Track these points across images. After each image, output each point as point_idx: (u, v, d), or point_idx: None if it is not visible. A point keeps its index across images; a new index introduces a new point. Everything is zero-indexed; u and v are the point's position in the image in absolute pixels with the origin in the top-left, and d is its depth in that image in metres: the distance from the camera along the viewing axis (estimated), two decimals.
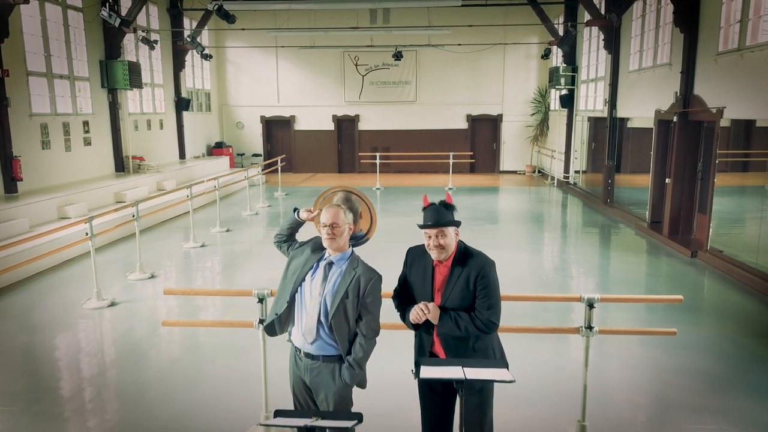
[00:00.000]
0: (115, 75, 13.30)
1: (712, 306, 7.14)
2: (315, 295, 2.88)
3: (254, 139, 20.98)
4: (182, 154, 17.50)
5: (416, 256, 3.04)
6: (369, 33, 17.99)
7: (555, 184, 17.29)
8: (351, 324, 2.87)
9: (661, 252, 9.46)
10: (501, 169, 20.64)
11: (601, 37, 13.39)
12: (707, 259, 8.57)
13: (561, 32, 16.54)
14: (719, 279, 7.93)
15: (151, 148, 15.62)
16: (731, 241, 9.01)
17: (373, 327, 2.89)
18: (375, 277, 2.90)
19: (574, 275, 8.30)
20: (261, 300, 3.67)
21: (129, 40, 14.29)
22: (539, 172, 20.01)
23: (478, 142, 20.67)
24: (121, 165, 13.93)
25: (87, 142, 12.76)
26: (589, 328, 3.61)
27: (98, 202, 11.41)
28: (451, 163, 16.97)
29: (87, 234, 6.46)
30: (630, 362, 5.12)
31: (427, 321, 2.84)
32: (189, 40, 14.83)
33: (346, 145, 20.91)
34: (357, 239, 3.16)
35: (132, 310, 6.56)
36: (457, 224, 2.90)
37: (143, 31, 13.96)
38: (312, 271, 2.97)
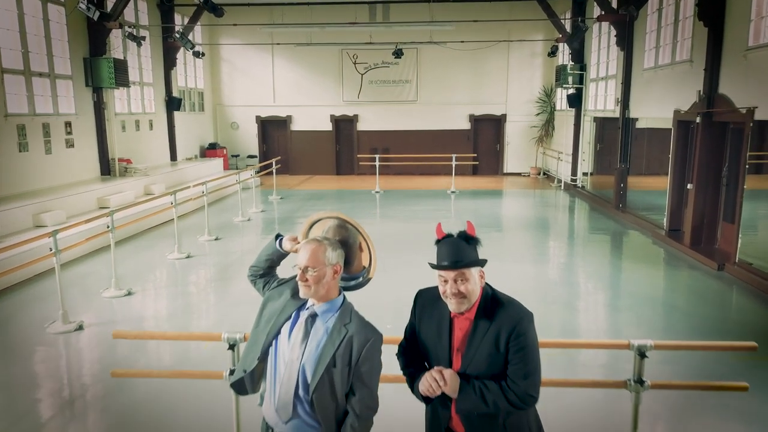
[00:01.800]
0: (99, 73, 12.59)
1: (754, 329, 6.42)
2: (292, 359, 2.18)
3: (249, 140, 20.27)
4: (173, 156, 16.78)
5: (428, 302, 2.33)
6: (368, 29, 17.27)
7: (562, 187, 16.59)
8: (339, 400, 2.15)
9: (683, 263, 8.76)
10: (505, 171, 19.93)
11: (613, 33, 12.69)
12: (735, 272, 7.87)
13: (569, 28, 15.83)
14: (751, 295, 7.23)
15: (139, 149, 14.91)
16: (760, 252, 8.31)
17: (369, 404, 2.17)
18: (373, 338, 2.19)
19: (590, 291, 7.60)
20: (232, 346, 2.97)
21: (116, 36, 13.59)
22: (544, 174, 19.31)
23: (481, 143, 19.96)
24: (107, 168, 13.22)
25: (69, 144, 12.05)
26: (640, 382, 2.91)
27: (79, 209, 10.70)
28: (453, 165, 16.26)
29: (51, 249, 5.75)
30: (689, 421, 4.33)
31: (444, 393, 2.14)
32: (178, 36, 14.11)
33: (345, 146, 20.21)
34: (353, 281, 2.44)
35: (100, 336, 5.84)
36: (482, 263, 2.19)
37: (130, 27, 13.25)
38: (290, 322, 2.27)
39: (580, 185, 16.00)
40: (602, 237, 11.08)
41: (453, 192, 15.88)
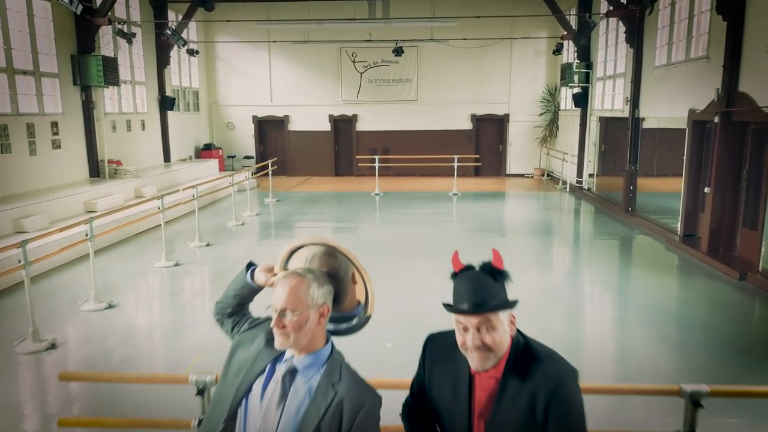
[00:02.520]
0: (88, 71, 12.10)
1: None
2: (265, 427, 1.68)
3: (246, 140, 19.77)
4: (167, 157, 16.29)
5: (441, 352, 1.83)
6: (367, 25, 16.77)
7: (567, 189, 16.10)
8: None
9: (700, 272, 8.27)
10: (507, 173, 19.44)
11: (622, 29, 12.20)
12: (759, 282, 7.38)
13: (574, 25, 15.34)
14: None
15: (131, 150, 14.42)
16: None
17: None
18: (369, 404, 1.68)
19: (600, 303, 7.10)
20: (201, 392, 2.48)
21: (106, 33, 13.08)
22: (548, 175, 18.81)
23: (483, 144, 19.47)
24: (95, 170, 12.72)
25: (56, 145, 11.56)
26: None
27: (64, 213, 10.20)
28: (455, 167, 15.77)
29: (20, 261, 5.25)
30: None
31: None
32: (169, 33, 13.61)
33: (343, 147, 19.71)
34: (346, 323, 1.95)
35: (74, 356, 5.36)
36: (513, 305, 1.69)
37: (120, 23, 12.75)
38: (263, 377, 1.77)
39: (585, 187, 15.51)
40: (611, 242, 10.59)
41: (455, 194, 15.39)
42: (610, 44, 13.71)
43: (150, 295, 7.32)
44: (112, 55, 13.16)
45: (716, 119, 8.32)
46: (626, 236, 10.86)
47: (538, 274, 8.08)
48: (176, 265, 8.41)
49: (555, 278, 8.07)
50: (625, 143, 16.95)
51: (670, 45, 10.41)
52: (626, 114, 12.42)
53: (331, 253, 1.85)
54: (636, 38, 11.53)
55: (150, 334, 5.99)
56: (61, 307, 6.65)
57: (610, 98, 13.85)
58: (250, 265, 2.01)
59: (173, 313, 6.64)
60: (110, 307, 6.56)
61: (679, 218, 9.78)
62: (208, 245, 9.70)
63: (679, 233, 9.75)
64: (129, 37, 12.50)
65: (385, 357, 5.23)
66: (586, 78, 15.00)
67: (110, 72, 12.33)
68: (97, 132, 12.71)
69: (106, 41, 13.15)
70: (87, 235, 6.38)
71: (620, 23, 12.24)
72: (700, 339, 5.87)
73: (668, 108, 10.52)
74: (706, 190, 8.63)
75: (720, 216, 8.46)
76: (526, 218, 12.61)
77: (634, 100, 11.74)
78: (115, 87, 13.29)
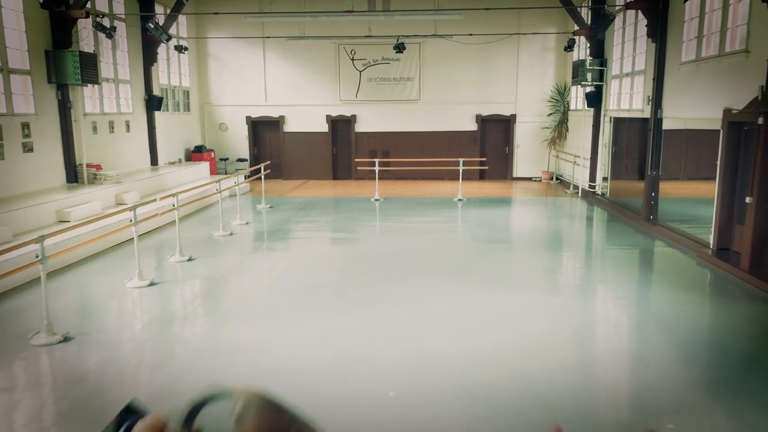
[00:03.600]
0: (64, 68, 11.16)
1: None
2: None
3: (239, 142, 18.83)
4: (154, 161, 15.34)
5: None
6: (366, 18, 15.80)
7: (579, 194, 15.15)
8: None
9: (741, 292, 7.33)
10: (514, 176, 18.50)
11: (643, 22, 11.27)
12: None
13: (588, 19, 14.41)
14: None
15: (114, 154, 13.48)
16: None
17: None
18: None
19: (627, 333, 6.14)
20: None
21: (86, 27, 12.12)
22: (557, 179, 17.88)
23: (489, 146, 18.53)
24: (73, 175, 11.79)
25: (27, 148, 10.62)
26: None
27: (33, 223, 9.25)
28: (460, 170, 14.83)
29: None
30: None
31: None
32: (152, 27, 12.67)
33: (342, 149, 18.77)
34: None
35: (10, 405, 4.41)
36: None
37: (100, 16, 11.80)
38: None
39: (599, 192, 14.57)
40: (633, 256, 9.64)
41: (460, 200, 14.45)
42: (628, 39, 12.77)
43: (112, 324, 6.37)
44: (92, 51, 12.21)
45: (760, 120, 7.37)
46: (650, 249, 9.92)
47: (552, 295, 7.14)
48: (151, 284, 7.46)
49: (571, 300, 7.12)
50: (642, 145, 16.05)
51: (700, 38, 9.47)
52: (647, 114, 11.48)
53: (267, 407, 0.89)
54: (659, 32, 10.59)
55: (100, 381, 5.04)
56: (8, 339, 5.70)
57: (627, 97, 12.91)
58: (125, 418, 1.02)
59: (135, 348, 5.69)
60: (65, 340, 5.61)
61: (712, 230, 8.82)
62: (190, 260, 8.75)
63: (711, 246, 8.80)
64: (108, 31, 11.54)
65: (388, 410, 4.28)
66: (600, 76, 14.07)
67: (88, 69, 11.38)
68: (75, 134, 11.77)
69: (85, 36, 12.22)
70: (38, 256, 5.42)
71: (641, 15, 11.30)
72: (750, 379, 4.93)
73: (697, 108, 9.58)
74: (747, 200, 7.68)
75: (764, 229, 7.51)
76: (538, 227, 11.66)
77: (657, 100, 10.79)
78: (95, 85, 12.34)
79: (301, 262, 8.73)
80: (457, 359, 5.22)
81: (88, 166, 12.01)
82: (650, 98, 11.02)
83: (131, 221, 7.27)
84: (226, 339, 5.74)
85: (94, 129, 12.72)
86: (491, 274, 7.98)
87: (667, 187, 11.47)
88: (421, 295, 7.09)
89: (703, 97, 9.33)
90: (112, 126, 13.44)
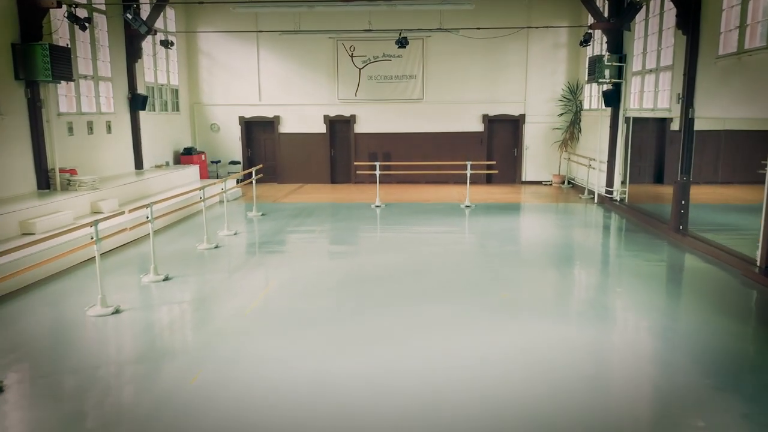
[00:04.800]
0: (33, 63, 10.11)
1: None
2: None
3: (232, 143, 17.78)
4: (139, 164, 14.29)
5: None
6: (366, 9, 14.74)
7: (595, 200, 14.10)
8: None
9: None
10: (523, 180, 17.44)
11: (671, 12, 10.22)
12: None
13: (605, 11, 13.37)
14: None
15: (93, 157, 12.43)
16: None
17: None
18: None
19: (670, 375, 5.08)
20: None
21: (61, 19, 11.05)
22: (569, 183, 16.83)
23: (496, 148, 17.49)
24: (45, 181, 10.75)
25: None
26: None
27: None
28: (468, 174, 13.76)
29: None
30: None
31: None
32: (130, 17, 11.61)
33: (341, 151, 17.72)
34: None
35: None
36: None
37: (73, 6, 10.74)
38: None
39: (617, 198, 13.52)
40: (666, 274, 8.58)
41: (468, 206, 13.39)
42: (652, 32, 11.71)
43: (63, 365, 5.30)
44: (66, 45, 11.14)
45: None
46: (683, 264, 8.87)
47: (584, 328, 6.08)
48: (116, 312, 6.40)
49: (607, 334, 6.07)
50: (664, 147, 15.03)
51: (742, 28, 8.41)
52: (675, 114, 10.44)
53: None
54: (691, 22, 9.54)
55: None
56: None
57: (650, 96, 11.86)
58: None
59: (79, 401, 4.63)
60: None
61: (759, 243, 7.77)
62: (166, 279, 7.69)
63: (759, 263, 7.75)
64: (83, 23, 10.47)
65: None
66: (619, 73, 13.01)
67: (60, 64, 10.33)
68: (46, 135, 10.73)
69: (60, 28, 11.16)
70: None
71: (668, 5, 10.26)
72: None
73: (738, 106, 8.53)
74: None
75: None
76: (555, 239, 10.60)
77: (688, 98, 9.74)
78: (70, 83, 11.29)
79: (292, 282, 7.68)
80: (477, 418, 4.17)
81: (62, 171, 10.97)
82: (680, 96, 9.96)
83: (92, 238, 6.21)
84: (196, 387, 4.69)
85: (70, 130, 11.67)
86: (510, 299, 6.93)
87: (695, 192, 10.42)
88: (430, 328, 6.04)
89: (745, 94, 8.28)
90: (90, 127, 12.38)
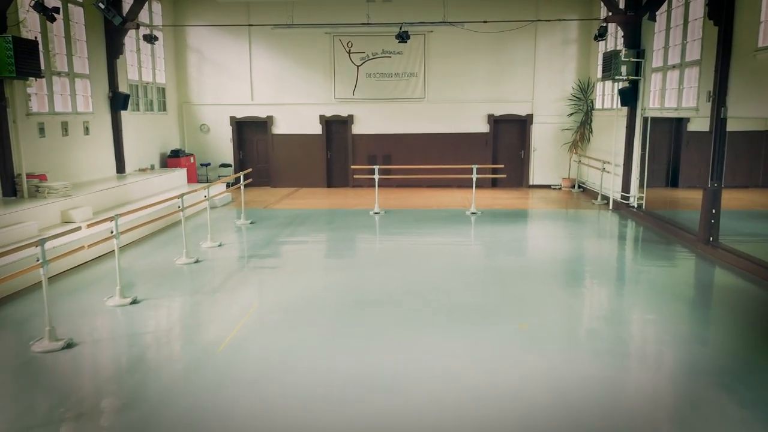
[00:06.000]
0: None
1: None
2: None
3: (222, 145, 16.81)
4: (120, 168, 13.33)
5: None
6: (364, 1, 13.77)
7: (610, 207, 13.13)
8: None
9: None
10: (531, 183, 16.48)
11: (699, 1, 9.26)
12: None
13: (621, 3, 12.41)
14: None
15: (68, 161, 11.47)
16: None
17: None
18: None
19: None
20: None
21: (27, 9, 10.10)
22: (580, 187, 15.87)
23: (502, 149, 16.53)
24: (11, 188, 9.78)
25: None
26: None
27: None
28: (474, 179, 12.79)
29: None
30: None
31: None
32: (102, 6, 10.66)
33: (338, 153, 16.75)
34: None
35: None
36: None
37: None
38: None
39: (634, 204, 12.57)
40: (700, 294, 7.62)
41: (474, 213, 12.43)
42: (675, 24, 10.76)
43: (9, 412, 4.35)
44: (35, 38, 10.19)
45: None
46: (716, 283, 7.91)
47: (611, 364, 5.12)
48: (67, 346, 5.43)
49: (641, 372, 5.12)
50: (678, 149, 14.25)
51: None
52: (703, 113, 9.50)
53: None
54: (724, 12, 8.59)
55: None
56: None
57: (673, 94, 10.91)
58: None
59: None
60: None
61: None
62: (133, 303, 6.72)
63: None
64: (50, 13, 9.50)
65: None
66: (637, 70, 12.06)
67: (26, 59, 9.35)
68: (12, 137, 9.76)
69: (29, 20, 10.21)
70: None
71: None
72: None
73: None
74: None
75: None
76: (571, 251, 9.63)
77: (720, 96, 8.78)
78: (39, 79, 10.33)
79: (276, 307, 6.71)
80: None
81: (30, 176, 10.01)
82: (711, 94, 9.00)
83: (38, 260, 5.25)
84: None
85: (41, 131, 10.70)
86: (531, 329, 5.97)
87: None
88: (436, 361, 5.08)
89: None
90: (65, 128, 11.42)
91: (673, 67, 10.81)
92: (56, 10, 9.58)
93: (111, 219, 6.52)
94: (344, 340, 5.67)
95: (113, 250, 6.70)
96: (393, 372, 4.95)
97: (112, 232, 6.55)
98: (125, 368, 5.15)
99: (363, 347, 5.49)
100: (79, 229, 6.01)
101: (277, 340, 5.69)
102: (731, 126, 8.91)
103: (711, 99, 9.03)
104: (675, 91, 10.77)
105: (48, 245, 5.45)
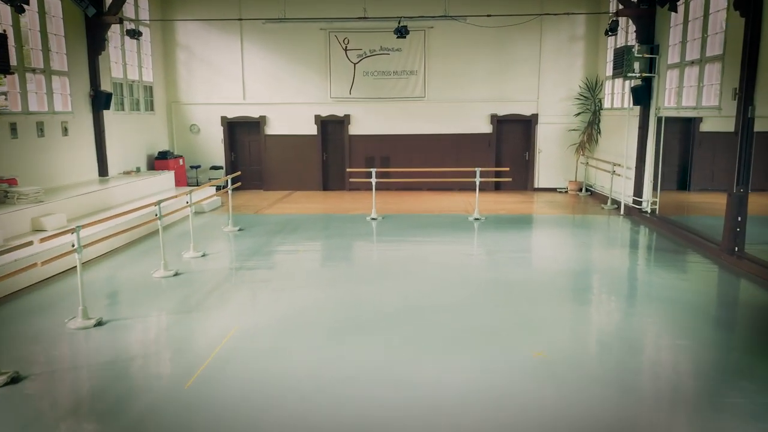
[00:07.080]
0: None
1: None
2: None
3: (213, 146, 16.08)
4: (103, 171, 12.59)
5: None
6: None
7: (621, 212, 12.40)
8: None
9: None
10: (535, 186, 15.75)
11: None
12: None
13: None
14: None
15: (45, 163, 10.75)
16: None
17: None
18: None
19: None
20: None
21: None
22: (587, 190, 15.14)
23: (505, 151, 15.81)
24: None
25: None
26: None
27: None
28: (477, 183, 12.05)
29: None
30: None
31: None
32: None
33: (333, 155, 16.02)
34: None
35: None
36: None
37: None
38: None
39: (647, 210, 11.84)
40: (730, 315, 6.88)
41: (477, 219, 11.69)
42: (695, 17, 10.03)
43: None
44: (3, 32, 9.45)
45: None
46: (748, 300, 7.18)
47: (644, 403, 4.39)
48: (10, 381, 4.68)
49: (679, 412, 4.39)
50: (689, 151, 13.59)
51: None
52: (727, 113, 8.77)
53: None
54: (752, 2, 7.85)
55: None
56: None
57: (691, 91, 10.17)
58: None
59: None
60: None
61: None
62: (98, 325, 5.97)
63: None
64: (17, 4, 8.75)
65: None
66: (650, 66, 11.33)
67: None
68: None
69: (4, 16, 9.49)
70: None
71: None
72: None
73: None
74: None
75: None
76: (585, 263, 8.87)
77: (748, 93, 8.05)
78: (9, 75, 9.59)
79: (259, 331, 5.96)
80: None
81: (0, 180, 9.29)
82: (737, 92, 8.27)
83: None
84: None
85: (13, 132, 9.97)
86: (550, 356, 5.23)
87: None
88: (447, 410, 4.34)
89: None
90: (40, 128, 10.68)
91: (692, 63, 10.08)
92: (25, 1, 8.83)
93: (72, 231, 5.77)
94: (329, 374, 4.91)
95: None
96: (389, 415, 4.21)
97: (73, 246, 5.80)
98: (75, 408, 4.40)
99: (353, 384, 4.74)
100: (30, 243, 5.26)
101: (255, 372, 4.94)
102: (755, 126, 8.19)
103: (737, 97, 8.29)
104: (694, 89, 10.03)
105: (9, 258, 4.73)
